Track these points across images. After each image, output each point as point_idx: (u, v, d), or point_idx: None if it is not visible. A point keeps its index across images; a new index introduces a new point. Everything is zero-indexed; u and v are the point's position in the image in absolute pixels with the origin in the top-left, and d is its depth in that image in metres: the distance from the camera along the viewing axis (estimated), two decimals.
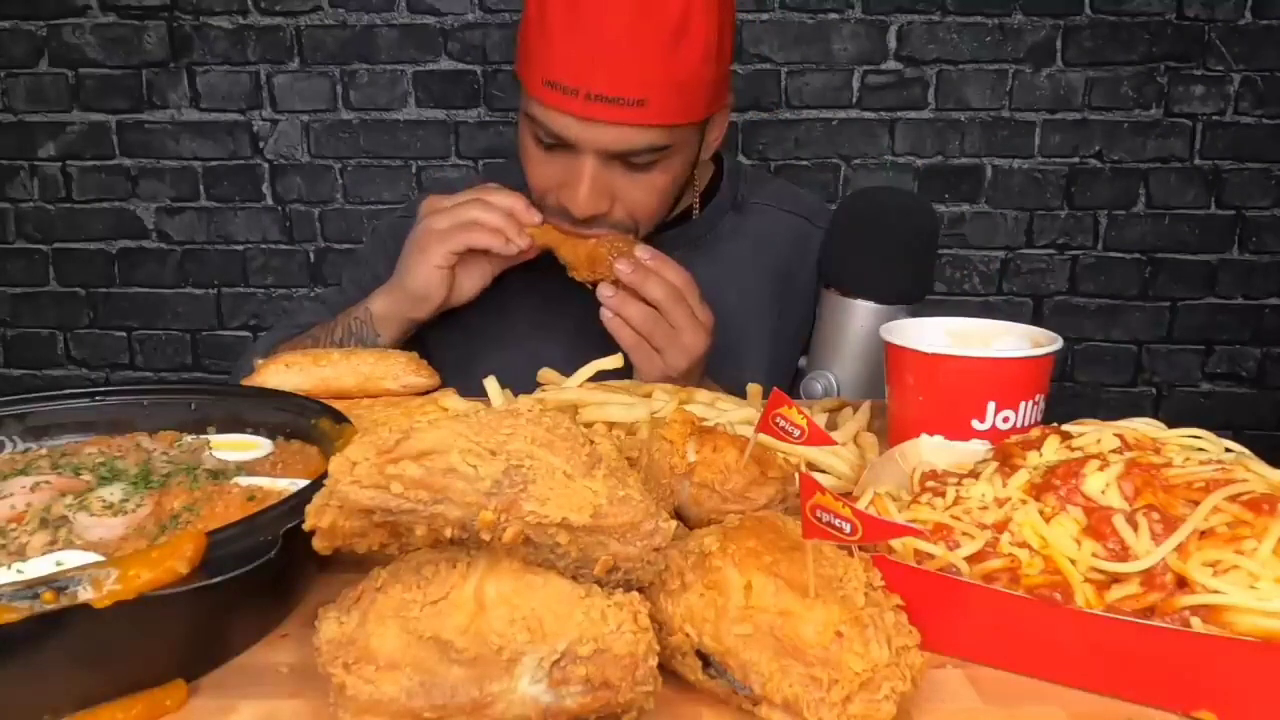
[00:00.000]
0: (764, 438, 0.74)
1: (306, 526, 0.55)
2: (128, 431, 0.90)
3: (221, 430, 0.90)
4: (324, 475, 0.54)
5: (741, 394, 1.09)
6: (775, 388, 0.75)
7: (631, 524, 0.54)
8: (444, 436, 0.54)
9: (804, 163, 2.38)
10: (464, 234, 1.22)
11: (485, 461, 0.53)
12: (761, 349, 1.45)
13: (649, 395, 1.04)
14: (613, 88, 1.14)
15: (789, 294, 1.46)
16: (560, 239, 1.23)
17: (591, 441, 0.59)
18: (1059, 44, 2.29)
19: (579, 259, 1.22)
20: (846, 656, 0.54)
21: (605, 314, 1.20)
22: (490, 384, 1.03)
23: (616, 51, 1.13)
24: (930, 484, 0.71)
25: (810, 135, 2.36)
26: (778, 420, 0.72)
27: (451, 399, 1.02)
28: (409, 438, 0.54)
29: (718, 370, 1.27)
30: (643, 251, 1.20)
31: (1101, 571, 0.61)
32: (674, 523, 0.57)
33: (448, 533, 0.54)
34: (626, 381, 1.11)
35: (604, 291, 1.20)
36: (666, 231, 1.41)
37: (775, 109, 2.35)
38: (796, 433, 0.71)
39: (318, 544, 0.56)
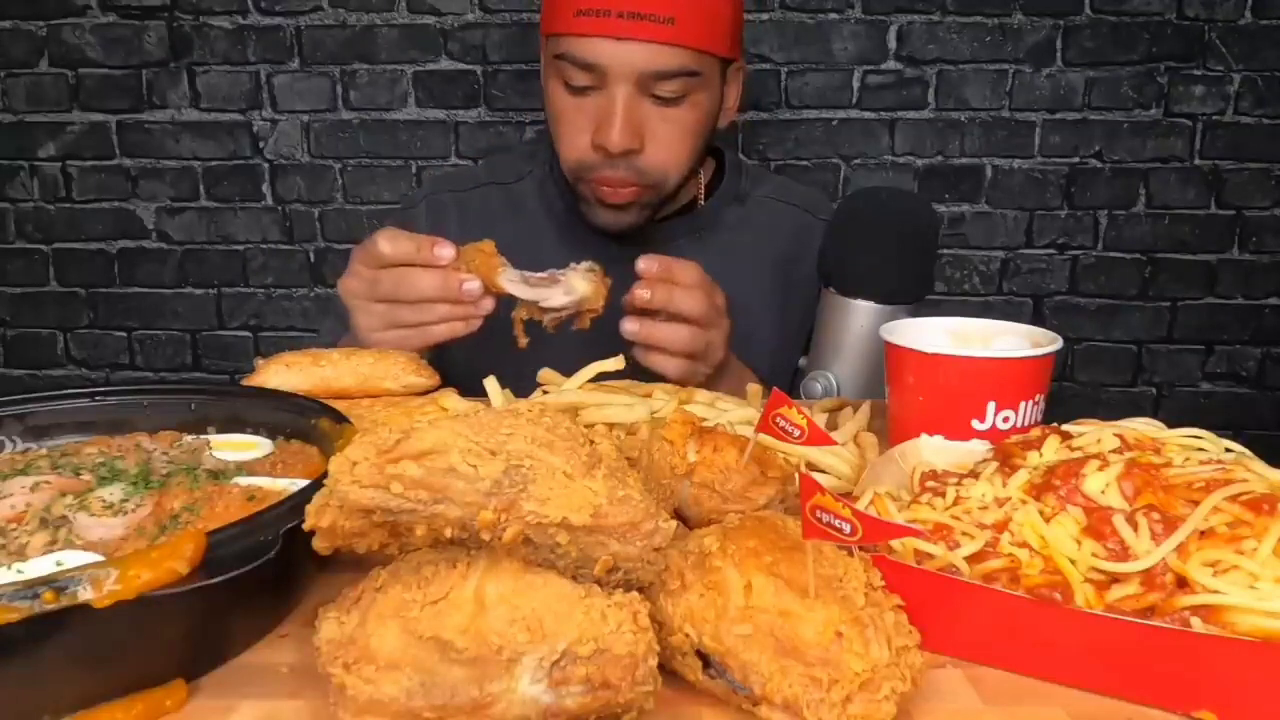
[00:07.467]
0: (764, 438, 0.74)
1: (306, 526, 0.55)
2: (128, 431, 0.90)
3: (221, 430, 0.90)
4: (324, 475, 0.54)
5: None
6: (775, 388, 0.75)
7: (631, 524, 0.54)
8: (444, 436, 0.54)
9: (804, 163, 2.37)
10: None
11: (485, 461, 0.53)
12: (765, 339, 1.47)
13: (649, 395, 1.04)
14: (643, 4, 1.21)
15: (791, 285, 1.49)
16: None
17: (591, 441, 0.59)
18: (1059, 44, 2.29)
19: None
20: (846, 657, 0.54)
21: (639, 352, 1.16)
22: (490, 384, 1.03)
23: None
24: (930, 484, 0.71)
25: (810, 135, 2.36)
26: (778, 420, 0.72)
27: (451, 399, 1.02)
28: (409, 438, 0.54)
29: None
30: (644, 263, 1.16)
31: (1101, 571, 0.61)
32: (674, 523, 0.57)
33: (448, 533, 0.54)
34: (626, 381, 1.11)
35: (628, 326, 1.15)
36: (671, 220, 1.43)
37: (775, 109, 2.35)
38: (796, 433, 0.71)
39: (318, 544, 0.56)
